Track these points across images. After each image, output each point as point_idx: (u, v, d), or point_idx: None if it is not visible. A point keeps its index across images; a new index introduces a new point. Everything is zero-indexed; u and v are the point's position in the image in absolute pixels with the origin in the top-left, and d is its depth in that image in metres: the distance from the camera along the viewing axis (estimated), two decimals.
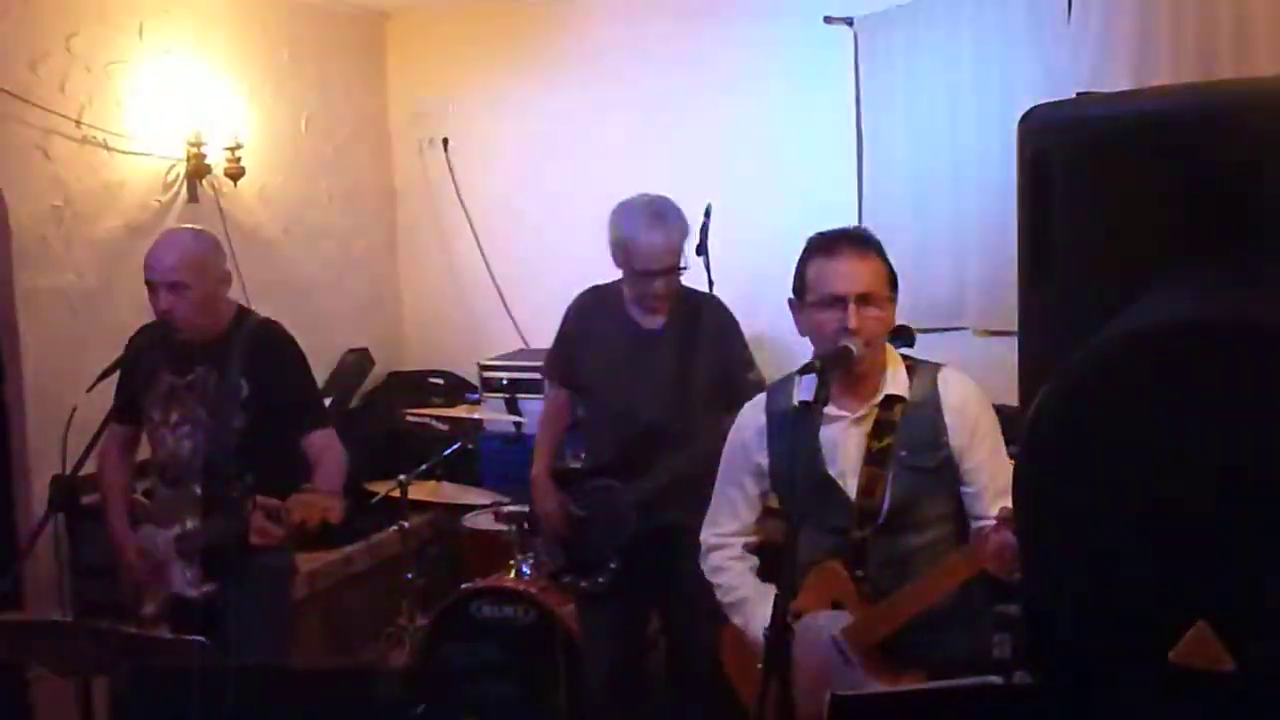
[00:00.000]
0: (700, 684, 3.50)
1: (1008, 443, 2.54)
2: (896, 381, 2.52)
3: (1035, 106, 1.48)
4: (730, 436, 2.76)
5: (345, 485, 3.27)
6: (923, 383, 2.53)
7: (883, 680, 2.43)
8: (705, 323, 3.50)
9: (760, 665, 2.15)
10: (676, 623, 3.60)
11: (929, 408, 2.50)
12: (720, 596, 2.75)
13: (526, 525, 3.86)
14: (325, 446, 3.23)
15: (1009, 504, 2.33)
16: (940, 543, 2.50)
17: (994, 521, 2.31)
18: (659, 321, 3.52)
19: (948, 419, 2.48)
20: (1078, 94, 1.49)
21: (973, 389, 2.54)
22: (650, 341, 3.51)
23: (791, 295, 2.58)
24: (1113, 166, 1.41)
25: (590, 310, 3.65)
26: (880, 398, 2.51)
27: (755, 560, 2.78)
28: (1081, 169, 1.43)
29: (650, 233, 3.40)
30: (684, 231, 3.47)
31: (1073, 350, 1.39)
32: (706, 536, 2.81)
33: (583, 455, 3.77)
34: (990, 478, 2.46)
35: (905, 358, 2.58)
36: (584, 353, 3.63)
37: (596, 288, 3.68)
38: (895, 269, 2.56)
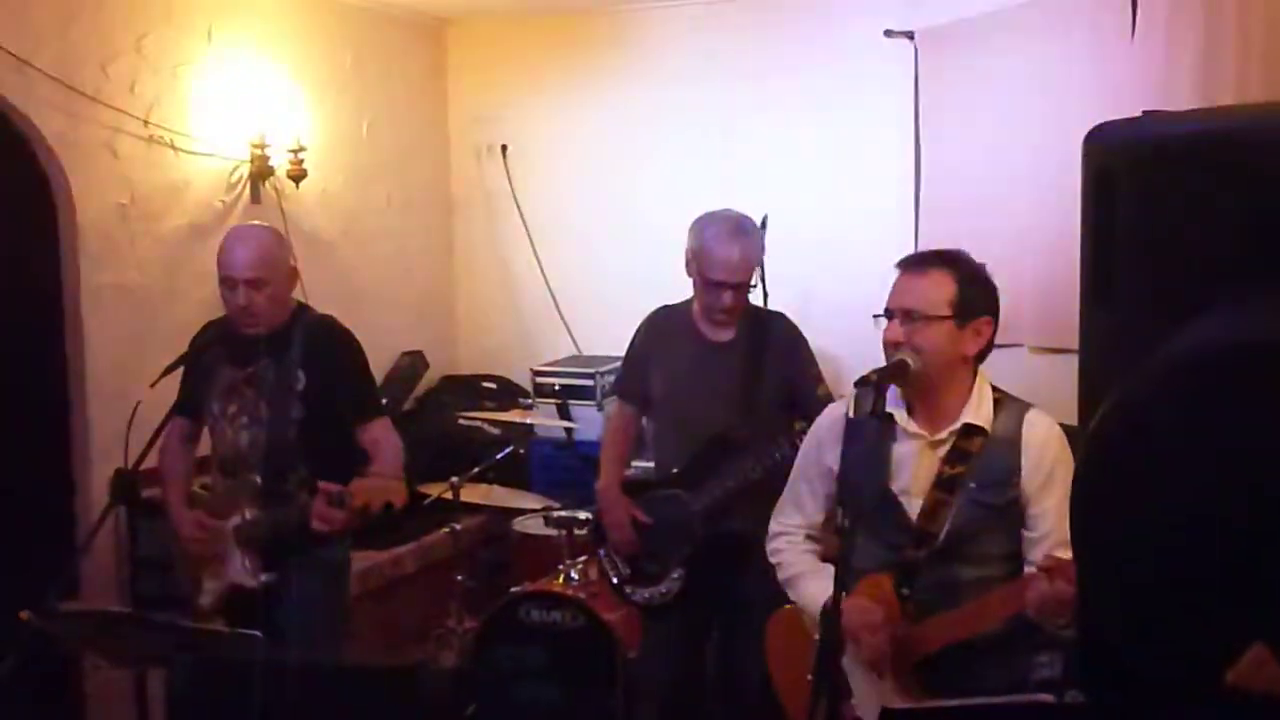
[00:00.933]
0: (749, 699, 3.52)
1: None
2: (980, 412, 2.50)
3: (1102, 123, 1.48)
4: (809, 435, 2.81)
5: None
6: (1007, 419, 2.50)
7: (908, 700, 2.42)
8: (773, 337, 3.56)
9: (810, 676, 2.16)
10: (731, 636, 3.60)
11: (1008, 445, 2.47)
12: (779, 575, 2.80)
13: (592, 535, 3.87)
14: (381, 437, 3.26)
15: (1069, 555, 2.33)
16: (993, 580, 2.47)
17: (1036, 567, 2.31)
18: (728, 334, 3.56)
19: (1024, 460, 2.46)
20: (1144, 112, 1.48)
21: (1056, 435, 2.50)
22: (718, 353, 3.55)
23: None
24: (1179, 185, 1.40)
25: (660, 327, 3.72)
26: (959, 425, 2.49)
27: (817, 547, 2.80)
28: (1147, 187, 1.42)
29: (728, 245, 3.46)
30: (760, 249, 3.56)
31: (1134, 368, 1.39)
32: (773, 526, 2.86)
33: (651, 467, 3.80)
34: (1054, 527, 2.42)
35: (997, 391, 2.56)
36: (654, 367, 3.68)
37: (667, 307, 3.75)
38: None
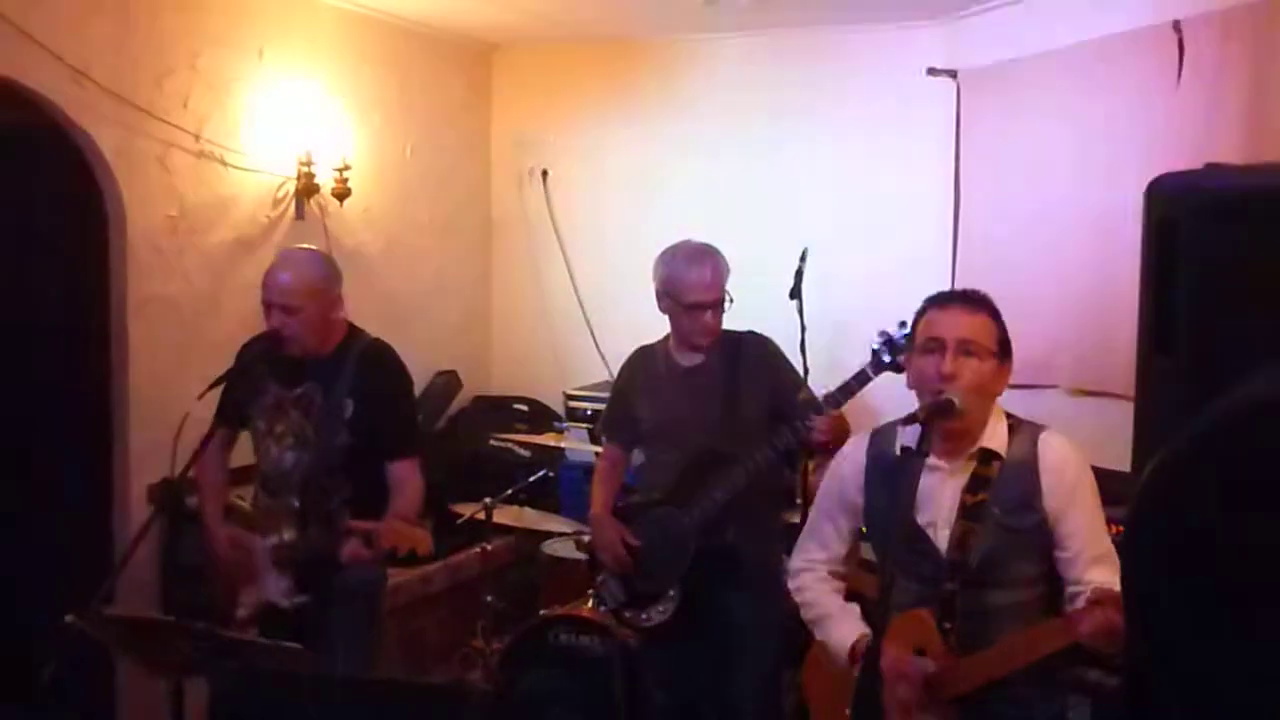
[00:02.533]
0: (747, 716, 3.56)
1: (1105, 504, 2.52)
2: (995, 438, 2.52)
3: (1164, 174, 1.50)
4: (830, 469, 2.81)
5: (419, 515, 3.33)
6: (1023, 442, 2.52)
7: None
8: (746, 353, 3.64)
9: (848, 710, 2.16)
10: (727, 662, 3.62)
11: (1026, 468, 2.49)
12: (804, 614, 2.80)
13: (588, 566, 3.90)
14: (407, 478, 3.27)
15: (1104, 571, 2.34)
16: (1028, 605, 2.48)
17: (1087, 589, 2.31)
18: (699, 358, 3.65)
19: (1044, 481, 2.47)
20: (1207, 165, 1.50)
21: (1073, 453, 2.52)
22: (695, 373, 3.65)
23: (905, 354, 2.61)
24: (1240, 237, 1.42)
25: (637, 364, 3.84)
26: (976, 449, 2.51)
27: (841, 584, 2.81)
28: (1209, 239, 1.44)
29: (698, 267, 3.57)
30: (726, 270, 3.62)
31: (1190, 417, 1.40)
32: (795, 561, 2.86)
33: (637, 494, 3.84)
34: (1085, 544, 2.44)
35: (1009, 416, 2.58)
36: (638, 402, 3.76)
37: (642, 347, 3.86)
38: None
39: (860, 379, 3.30)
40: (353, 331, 3.40)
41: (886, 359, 3.24)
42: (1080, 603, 2.31)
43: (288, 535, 3.19)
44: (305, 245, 3.71)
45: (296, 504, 3.20)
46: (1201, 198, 1.45)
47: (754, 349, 3.66)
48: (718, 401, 3.56)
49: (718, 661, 3.65)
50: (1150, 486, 1.41)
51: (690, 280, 3.55)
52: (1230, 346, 1.40)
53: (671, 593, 3.56)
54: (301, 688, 2.41)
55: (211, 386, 3.22)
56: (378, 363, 3.33)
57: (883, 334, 3.25)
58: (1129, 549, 1.48)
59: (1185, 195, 1.47)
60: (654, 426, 3.73)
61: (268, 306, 3.24)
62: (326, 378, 3.24)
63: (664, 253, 3.69)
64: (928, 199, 4.90)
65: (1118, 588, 1.88)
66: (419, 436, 3.49)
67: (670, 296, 3.61)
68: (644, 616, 3.62)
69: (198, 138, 4.40)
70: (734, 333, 3.68)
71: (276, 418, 3.30)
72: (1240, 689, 1.36)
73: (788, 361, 3.73)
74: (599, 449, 5.16)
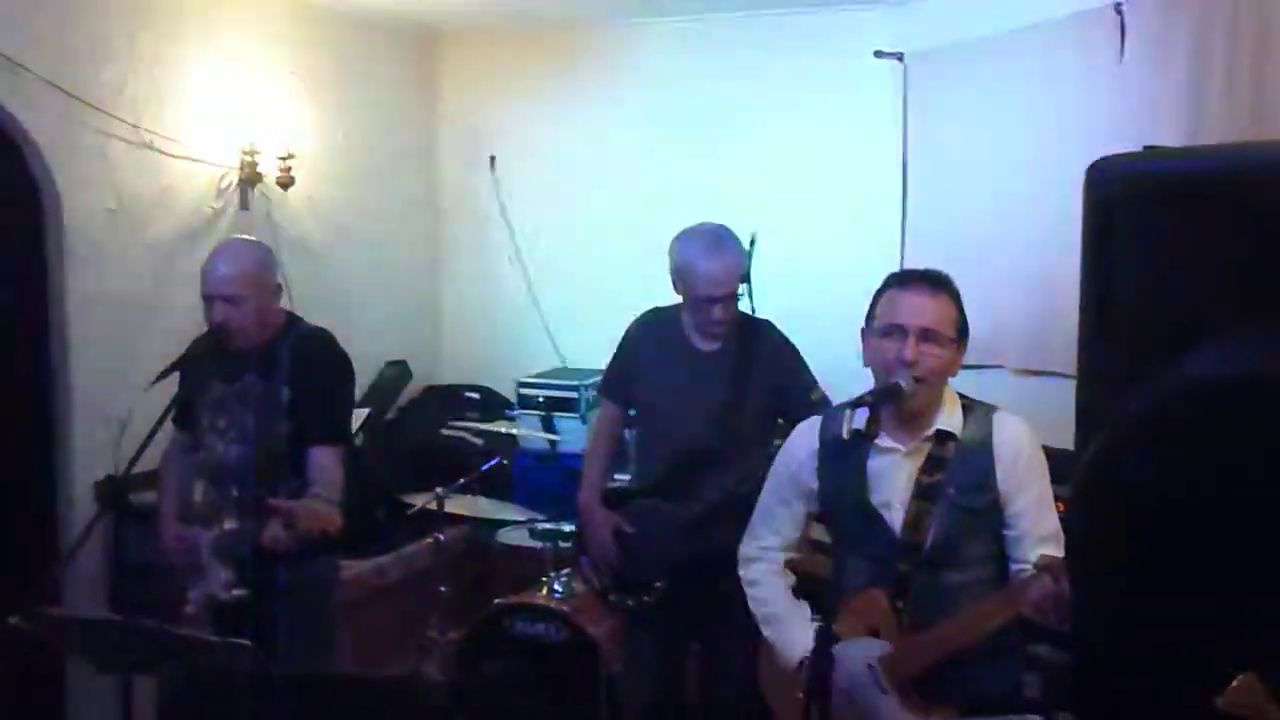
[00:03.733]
0: (732, 712, 3.54)
1: (1052, 483, 2.55)
2: (950, 419, 2.54)
3: (1104, 157, 1.51)
4: (781, 453, 2.81)
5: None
6: (977, 423, 2.54)
7: (914, 713, 2.45)
8: (762, 345, 3.56)
9: (800, 694, 2.17)
10: (713, 648, 3.62)
11: (981, 449, 2.51)
12: (753, 607, 2.80)
13: (573, 546, 3.87)
14: (330, 464, 3.22)
15: (1050, 550, 2.37)
16: (981, 583, 2.51)
17: (1031, 567, 2.33)
18: (716, 345, 3.57)
19: (998, 462, 2.50)
20: (1145, 147, 1.51)
21: (1026, 433, 2.54)
22: (706, 363, 3.56)
23: (863, 324, 2.60)
24: (1180, 220, 1.43)
25: (650, 330, 3.71)
26: (932, 431, 2.53)
27: (793, 578, 2.81)
28: (1148, 221, 1.45)
29: (711, 260, 3.46)
30: (742, 258, 3.54)
31: (1130, 397, 1.42)
32: (745, 548, 2.85)
33: (630, 476, 3.80)
34: (1033, 524, 2.47)
35: (962, 397, 2.59)
36: (642, 372, 3.68)
37: (657, 309, 3.74)
38: None
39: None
40: (291, 320, 3.37)
41: None
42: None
43: (228, 526, 3.15)
44: (242, 236, 3.65)
45: (236, 494, 3.16)
46: (1139, 181, 1.47)
47: (771, 341, 3.59)
48: (722, 396, 3.50)
49: (702, 647, 3.66)
50: (1093, 463, 1.43)
51: (702, 272, 3.46)
52: (1167, 327, 1.42)
53: (659, 584, 3.54)
54: (251, 684, 2.39)
55: (160, 377, 3.18)
56: (315, 349, 3.30)
57: None
58: (1074, 521, 1.50)
59: (1123, 178, 1.48)
60: (651, 407, 3.67)
61: (208, 299, 3.19)
62: (265, 367, 3.21)
63: (680, 236, 3.59)
64: (875, 182, 4.91)
65: None
66: (348, 427, 3.44)
67: (683, 283, 3.53)
68: (630, 602, 3.60)
69: (137, 127, 4.32)
70: (753, 320, 3.61)
71: (219, 413, 3.26)
72: (1176, 651, 1.39)
73: (802, 360, 3.63)
74: (553, 436, 5.18)
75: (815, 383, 3.60)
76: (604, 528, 3.61)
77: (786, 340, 3.64)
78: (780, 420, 3.53)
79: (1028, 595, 2.26)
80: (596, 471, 3.75)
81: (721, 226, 3.58)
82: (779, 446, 3.25)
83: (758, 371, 3.52)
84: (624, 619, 3.69)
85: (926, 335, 2.46)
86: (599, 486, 3.72)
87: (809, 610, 2.74)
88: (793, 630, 2.68)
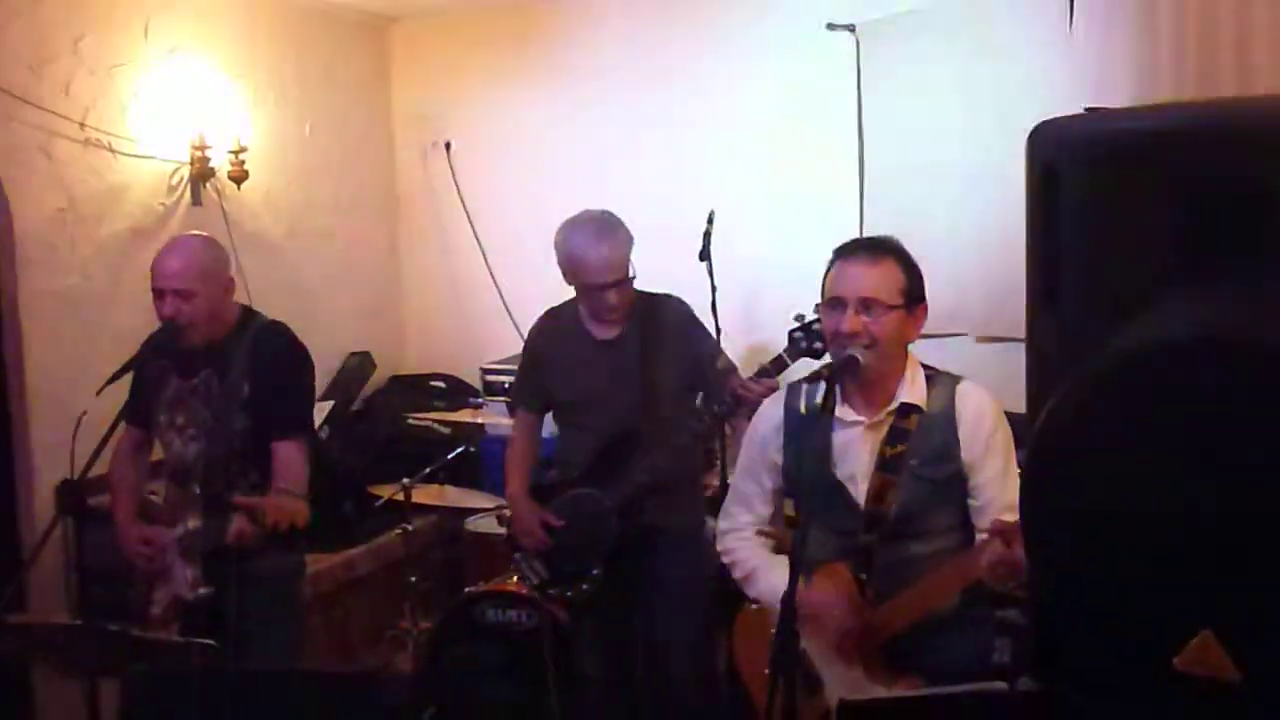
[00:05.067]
0: (682, 687, 3.56)
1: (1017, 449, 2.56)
2: (914, 390, 2.54)
3: (1046, 120, 1.50)
4: (749, 431, 2.83)
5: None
6: (940, 394, 2.55)
7: (880, 683, 2.45)
8: (665, 321, 3.57)
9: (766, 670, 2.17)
10: (657, 625, 3.63)
11: (944, 419, 2.51)
12: (735, 575, 2.82)
13: (507, 542, 3.87)
14: (294, 458, 3.20)
15: (1014, 519, 2.37)
16: (945, 553, 2.52)
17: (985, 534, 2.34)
18: (618, 330, 3.57)
19: (961, 432, 2.50)
20: (1087, 108, 1.50)
21: (989, 404, 2.55)
22: (612, 349, 3.57)
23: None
24: (1123, 182, 1.42)
25: (548, 332, 3.74)
26: (895, 405, 2.53)
27: (768, 541, 2.83)
28: (1091, 184, 1.44)
29: (598, 247, 3.45)
30: (629, 243, 3.51)
31: (1076, 368, 1.41)
32: (721, 525, 2.87)
33: (555, 470, 3.80)
34: (997, 493, 2.48)
35: (926, 368, 2.60)
36: (551, 373, 3.69)
37: (551, 310, 3.77)
38: None
39: (778, 365, 3.15)
40: (247, 313, 3.34)
41: (804, 346, 3.08)
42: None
43: (192, 524, 3.13)
44: (193, 231, 3.61)
45: (199, 492, 3.13)
46: (1081, 143, 1.45)
47: (672, 317, 3.60)
48: (636, 378, 3.50)
49: (649, 628, 3.66)
50: (1043, 432, 1.43)
51: (590, 261, 3.45)
52: (1113, 292, 1.42)
53: (595, 571, 3.55)
54: (217, 684, 2.37)
55: (110, 381, 3.14)
56: (273, 343, 3.27)
57: (799, 318, 3.08)
58: (1026, 484, 1.50)
59: (1065, 141, 1.47)
60: (569, 401, 3.68)
61: (160, 294, 3.16)
62: (222, 362, 3.19)
63: (563, 227, 3.58)
64: (832, 153, 4.89)
65: None
66: (310, 420, 3.42)
67: (573, 273, 3.53)
68: (568, 593, 3.61)
69: (83, 125, 4.27)
70: (651, 298, 3.61)
71: (177, 409, 3.24)
72: (1131, 613, 1.39)
73: (704, 328, 3.67)
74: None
75: (719, 349, 3.62)
76: (533, 521, 3.61)
77: (689, 311, 3.64)
78: (696, 392, 3.55)
79: (980, 561, 2.28)
80: (520, 468, 3.75)
81: (606, 212, 3.57)
82: (700, 411, 3.36)
83: (664, 348, 3.53)
84: (569, 608, 3.70)
85: (866, 305, 2.46)
86: (524, 481, 3.72)
87: (787, 559, 2.75)
88: (771, 574, 2.69)
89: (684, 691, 3.61)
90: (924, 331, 2.62)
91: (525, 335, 5.53)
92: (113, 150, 4.40)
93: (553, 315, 3.75)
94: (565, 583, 3.61)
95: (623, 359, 3.54)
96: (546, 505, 3.64)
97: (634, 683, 3.76)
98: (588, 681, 3.74)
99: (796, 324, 3.07)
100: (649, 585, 3.56)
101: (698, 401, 3.59)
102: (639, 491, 3.44)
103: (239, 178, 4.82)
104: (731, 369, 3.48)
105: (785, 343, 3.13)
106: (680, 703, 3.61)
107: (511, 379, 5.20)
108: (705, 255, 4.25)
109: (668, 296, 3.64)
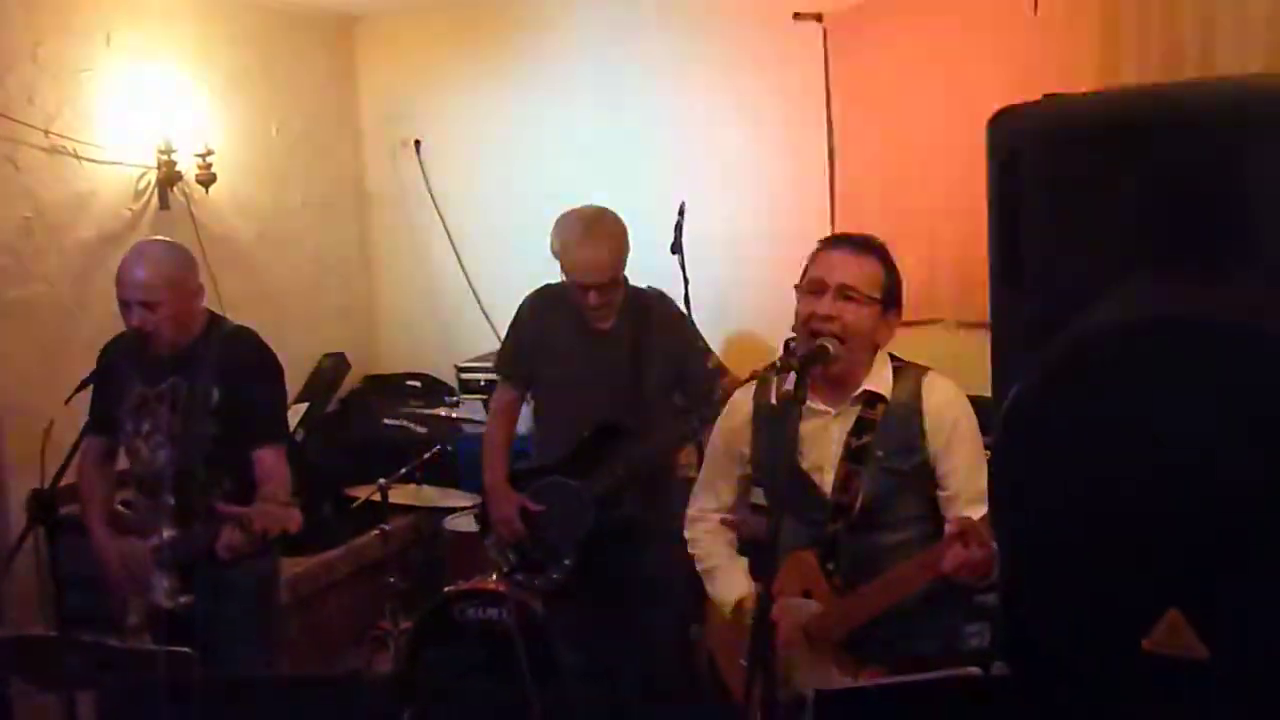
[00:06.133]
0: (658, 678, 3.57)
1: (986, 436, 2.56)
2: (880, 380, 2.55)
3: (1005, 108, 1.50)
4: (720, 420, 2.83)
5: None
6: (906, 385, 2.55)
7: (844, 673, 2.46)
8: (655, 318, 3.58)
9: (743, 660, 2.18)
10: (638, 613, 3.63)
11: (909, 410, 2.52)
12: (698, 565, 2.85)
13: (478, 526, 3.86)
14: (274, 465, 3.19)
15: (983, 509, 2.38)
16: (913, 543, 2.53)
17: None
18: (610, 322, 3.57)
19: (927, 423, 2.51)
20: (1045, 95, 1.51)
21: (955, 394, 2.56)
22: (603, 340, 3.58)
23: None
24: (1081, 167, 1.43)
25: (543, 310, 3.71)
26: (860, 392, 2.53)
27: (733, 535, 2.85)
28: (1050, 169, 1.45)
29: (584, 247, 3.46)
30: (620, 246, 3.52)
31: (1040, 351, 1.42)
32: (690, 510, 2.90)
33: (532, 454, 3.79)
34: (964, 483, 2.48)
35: (894, 358, 2.60)
36: (539, 352, 3.67)
37: (549, 286, 3.73)
38: None
39: (772, 371, 3.16)
40: (214, 320, 3.31)
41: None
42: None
43: (167, 534, 3.10)
44: (158, 237, 3.58)
45: (172, 501, 3.11)
46: (1039, 129, 1.46)
47: (662, 314, 3.60)
48: (624, 371, 3.51)
49: (625, 617, 3.66)
50: (1007, 419, 1.43)
51: (576, 258, 3.46)
52: (1074, 276, 1.42)
53: (567, 561, 3.55)
54: (195, 692, 2.35)
55: (78, 389, 3.12)
56: (241, 349, 3.25)
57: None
58: (994, 469, 1.51)
59: (1026, 128, 1.47)
60: (553, 387, 3.67)
61: (125, 304, 3.13)
62: (190, 369, 3.16)
63: (561, 218, 3.57)
64: (802, 144, 4.89)
65: None
66: (286, 424, 3.40)
67: (563, 268, 3.53)
68: (537, 581, 3.61)
69: (47, 133, 4.24)
70: (642, 294, 3.62)
71: (143, 417, 3.20)
72: (1100, 594, 1.40)
73: (693, 325, 3.66)
74: None
75: (707, 346, 3.65)
76: (510, 506, 3.60)
77: (679, 310, 3.64)
78: (680, 391, 3.55)
79: (942, 563, 2.29)
80: (499, 452, 3.73)
81: (604, 210, 3.56)
82: (684, 411, 3.37)
83: (654, 345, 3.54)
84: (542, 597, 3.70)
85: (845, 292, 2.46)
86: (503, 466, 3.70)
87: (747, 563, 2.78)
88: (728, 577, 2.74)
89: (663, 683, 3.61)
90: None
91: (499, 331, 5.60)
92: (79, 157, 4.37)
93: (549, 291, 3.72)
94: (535, 570, 3.60)
95: (611, 353, 3.55)
96: (523, 491, 3.62)
97: (613, 674, 3.76)
98: (567, 674, 3.74)
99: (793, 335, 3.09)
100: (627, 577, 3.56)
101: (676, 399, 3.59)
102: (617, 484, 3.44)
103: (206, 181, 4.79)
104: (722, 370, 3.48)
105: (760, 332, 3.14)
106: (659, 694, 3.62)
107: (487, 377, 5.20)
108: (677, 248, 4.23)
109: (658, 293, 3.64)
